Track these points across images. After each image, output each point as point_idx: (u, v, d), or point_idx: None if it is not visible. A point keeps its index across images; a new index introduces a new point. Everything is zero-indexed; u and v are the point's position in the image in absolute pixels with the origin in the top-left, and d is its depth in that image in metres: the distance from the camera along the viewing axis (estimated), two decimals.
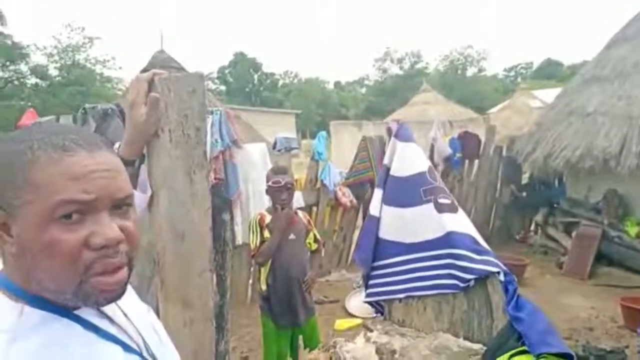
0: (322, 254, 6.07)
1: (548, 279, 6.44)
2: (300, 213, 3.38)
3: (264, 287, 3.11)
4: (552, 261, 7.04)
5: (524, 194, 8.37)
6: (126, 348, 0.81)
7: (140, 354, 0.83)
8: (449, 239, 1.03)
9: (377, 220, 1.23)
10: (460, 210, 1.13)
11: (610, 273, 6.26)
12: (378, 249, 1.19)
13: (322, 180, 6.21)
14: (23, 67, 25.61)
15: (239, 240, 4.97)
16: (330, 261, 6.68)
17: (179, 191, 1.26)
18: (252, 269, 5.31)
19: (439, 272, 1.07)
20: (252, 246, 3.04)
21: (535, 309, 0.96)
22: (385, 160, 1.29)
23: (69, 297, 0.72)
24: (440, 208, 1.09)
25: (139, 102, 1.24)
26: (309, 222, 3.36)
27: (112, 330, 0.81)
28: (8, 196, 0.70)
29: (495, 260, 1.01)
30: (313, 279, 3.25)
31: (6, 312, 0.70)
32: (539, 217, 7.89)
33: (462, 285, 0.99)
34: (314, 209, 6.23)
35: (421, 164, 1.25)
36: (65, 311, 0.75)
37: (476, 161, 8.05)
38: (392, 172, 1.24)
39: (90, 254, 0.71)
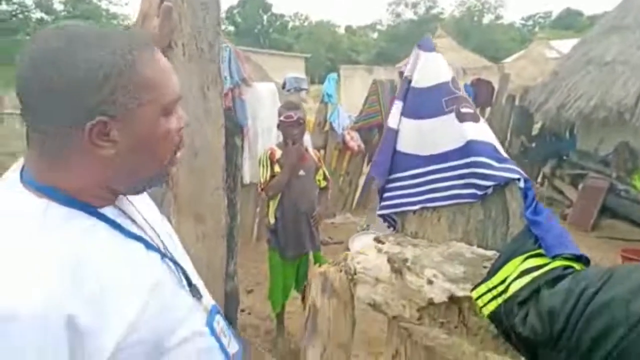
0: (330, 193, 6.14)
1: None
2: (311, 150, 3.37)
3: (272, 220, 3.15)
4: (556, 212, 7.06)
5: (534, 144, 8.30)
6: (148, 245, 0.83)
7: (160, 252, 0.86)
8: (469, 148, 1.02)
9: (396, 133, 1.21)
10: (482, 120, 1.11)
11: (613, 226, 6.29)
12: (395, 162, 1.18)
13: (330, 123, 6.15)
14: (28, 1, 25.04)
15: (247, 179, 5.00)
16: (336, 204, 6.74)
17: (193, 106, 1.25)
18: (258, 209, 5.37)
19: (457, 182, 1.06)
20: (262, 180, 3.06)
21: (552, 214, 0.96)
22: (407, 72, 1.25)
23: (158, 178, 0.85)
24: (462, 117, 1.07)
25: (151, 14, 1.21)
26: (319, 159, 3.36)
27: (134, 229, 0.83)
28: (119, 101, 0.72)
29: (516, 167, 1.00)
30: (321, 215, 3.29)
31: (31, 206, 0.72)
32: (546, 169, 7.85)
33: (480, 193, 0.98)
34: (322, 152, 6.22)
35: (445, 74, 1.22)
36: (91, 208, 0.77)
37: (488, 109, 7.93)
38: (413, 84, 1.20)
39: (178, 136, 0.84)
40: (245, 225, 5.33)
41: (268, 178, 3.04)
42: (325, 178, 3.35)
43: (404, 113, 1.19)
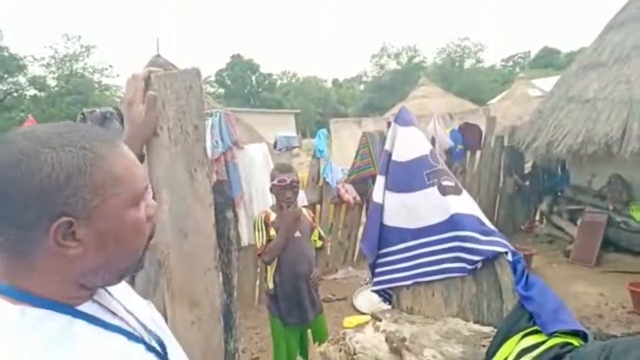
0: (328, 251, 6.07)
1: (555, 267, 6.42)
2: (304, 211, 3.37)
3: (270, 285, 3.10)
4: (558, 250, 7.01)
5: (527, 183, 8.34)
6: (130, 336, 0.81)
7: (144, 341, 0.83)
8: (454, 222, 1.02)
9: (381, 207, 1.21)
10: (465, 192, 1.11)
11: (617, 259, 6.22)
12: (383, 237, 1.18)
13: (324, 178, 6.19)
14: (21, 79, 25.73)
15: (245, 241, 4.97)
16: (336, 259, 6.67)
17: (181, 189, 1.25)
18: (258, 269, 5.30)
19: (446, 255, 1.05)
20: (258, 244, 3.03)
21: (545, 287, 0.94)
22: (387, 146, 1.27)
23: (133, 268, 0.83)
24: (444, 190, 1.08)
25: (136, 101, 1.23)
26: (313, 219, 3.35)
27: (115, 321, 0.82)
28: (82, 200, 0.72)
29: (502, 240, 0.99)
30: (319, 275, 3.24)
31: (8, 313, 0.71)
32: (543, 206, 7.86)
33: (469, 267, 0.98)
34: (317, 207, 6.22)
35: (423, 147, 1.24)
36: (67, 307, 0.76)
37: (478, 152, 8.02)
38: (393, 158, 1.22)
39: (149, 224, 0.83)
40: (245, 290, 5.24)
41: (264, 242, 3.02)
42: (320, 238, 3.32)
43: (388, 187, 1.20)
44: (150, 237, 0.85)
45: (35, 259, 0.73)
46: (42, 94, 26.01)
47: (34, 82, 25.70)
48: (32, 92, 26.25)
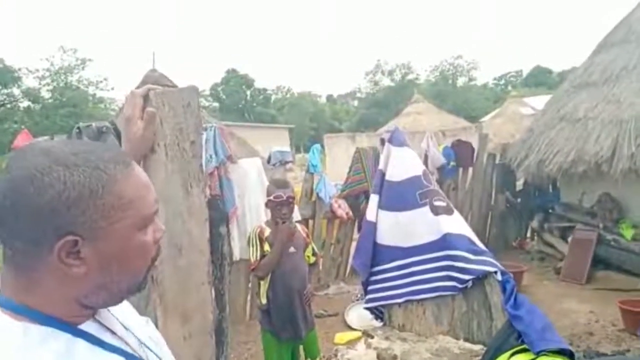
0: (320, 267, 6.05)
1: (546, 285, 6.44)
2: (298, 226, 3.38)
3: (264, 300, 3.09)
4: (549, 267, 7.04)
5: (519, 200, 8.40)
6: (128, 357, 0.81)
7: None
8: (445, 241, 1.04)
9: (374, 225, 1.23)
10: (456, 212, 1.14)
11: (608, 276, 6.26)
12: (376, 254, 1.20)
13: (317, 193, 6.21)
14: (15, 91, 25.68)
15: (237, 256, 4.95)
16: (329, 274, 6.65)
17: (176, 205, 1.26)
18: (250, 284, 5.27)
19: (437, 274, 1.07)
20: (252, 259, 3.03)
21: (533, 306, 0.96)
22: (380, 166, 1.30)
23: (134, 290, 0.83)
24: (436, 210, 1.10)
25: (134, 117, 1.25)
26: (307, 235, 3.35)
27: (114, 341, 0.82)
28: (90, 220, 0.72)
29: (492, 260, 1.01)
30: (312, 292, 3.23)
31: (11, 330, 0.71)
32: (534, 223, 7.91)
33: (460, 286, 0.99)
34: (310, 222, 6.23)
35: (415, 168, 1.27)
36: (68, 326, 0.77)
37: (470, 169, 8.08)
38: (387, 177, 1.25)
39: (155, 247, 0.84)
40: (237, 303, 5.21)
41: (258, 257, 3.01)
42: (314, 254, 3.32)
43: (381, 205, 1.22)
44: (154, 260, 0.85)
45: (39, 276, 0.74)
46: (36, 106, 25.94)
47: (28, 93, 25.64)
48: (25, 104, 26.19)
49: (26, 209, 0.69)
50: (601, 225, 6.52)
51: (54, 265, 0.72)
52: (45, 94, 26.55)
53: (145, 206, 0.80)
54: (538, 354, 0.82)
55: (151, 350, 0.89)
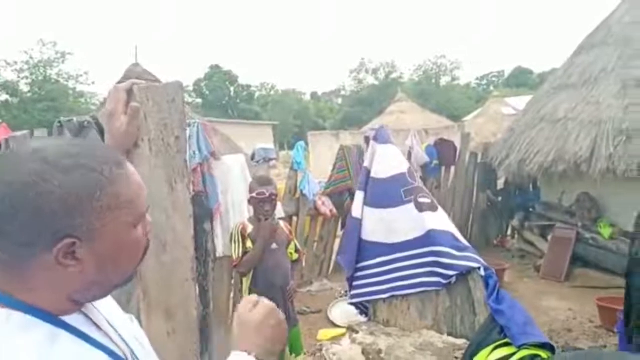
0: (303, 264, 6.06)
1: (526, 282, 6.55)
2: (281, 223, 3.37)
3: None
4: (529, 265, 7.16)
5: (500, 199, 8.52)
6: (112, 355, 0.81)
7: None
8: (429, 237, 1.05)
9: (359, 222, 1.24)
10: (440, 209, 1.16)
11: (586, 274, 6.39)
12: (361, 251, 1.21)
13: (301, 190, 6.20)
14: None
15: (220, 252, 4.92)
16: (312, 271, 6.66)
17: (161, 200, 1.25)
18: (232, 280, 5.24)
19: (422, 270, 1.09)
20: (235, 256, 3.02)
21: (514, 301, 0.98)
22: (366, 163, 1.31)
23: (123, 283, 0.84)
24: (420, 207, 1.11)
25: (118, 112, 1.23)
26: (290, 232, 3.35)
27: (98, 336, 0.82)
28: (88, 223, 0.73)
29: (476, 256, 1.03)
30: (295, 288, 3.24)
31: None
32: (515, 222, 8.03)
33: (444, 282, 1.01)
34: (294, 219, 6.22)
35: (400, 165, 1.28)
36: (52, 317, 0.77)
37: (452, 168, 8.16)
38: (372, 175, 1.26)
39: (145, 239, 0.85)
40: (219, 299, 5.17)
41: (241, 254, 3.01)
42: (296, 250, 3.33)
43: (367, 202, 1.23)
44: (145, 253, 0.86)
45: (32, 273, 0.74)
46: (14, 99, 25.40)
47: (6, 87, 25.10)
48: (3, 97, 25.63)
49: (25, 215, 0.70)
50: (580, 224, 6.65)
51: (48, 265, 0.73)
52: (24, 87, 26.03)
53: (139, 205, 0.81)
54: (520, 347, 0.84)
55: (133, 350, 0.88)
